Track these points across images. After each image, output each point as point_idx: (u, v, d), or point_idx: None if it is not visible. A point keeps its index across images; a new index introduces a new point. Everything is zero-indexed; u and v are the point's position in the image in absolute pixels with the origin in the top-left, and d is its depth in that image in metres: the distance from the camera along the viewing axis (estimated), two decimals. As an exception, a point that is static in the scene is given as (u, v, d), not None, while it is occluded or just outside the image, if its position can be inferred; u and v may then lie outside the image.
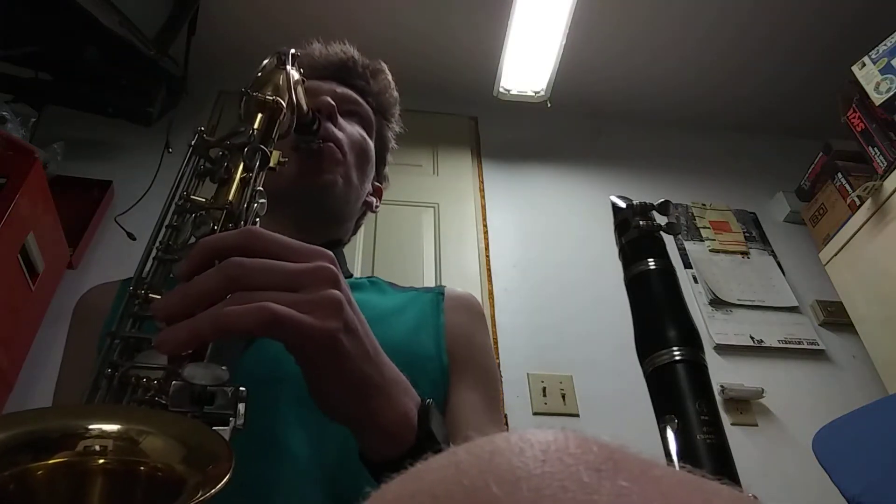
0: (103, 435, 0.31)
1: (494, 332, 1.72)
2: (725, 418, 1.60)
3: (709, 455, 0.37)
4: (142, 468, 0.31)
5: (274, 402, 0.53)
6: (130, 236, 1.74)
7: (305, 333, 0.37)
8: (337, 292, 0.39)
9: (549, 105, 2.01)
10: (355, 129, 0.74)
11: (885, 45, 1.53)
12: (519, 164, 2.19)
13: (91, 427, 0.31)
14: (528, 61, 1.87)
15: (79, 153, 1.86)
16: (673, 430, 0.38)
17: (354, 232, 0.80)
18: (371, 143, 0.77)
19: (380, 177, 0.83)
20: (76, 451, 0.30)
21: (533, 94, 1.97)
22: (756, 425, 1.65)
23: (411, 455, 0.42)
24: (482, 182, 2.10)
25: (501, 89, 1.95)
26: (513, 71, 1.90)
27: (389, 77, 0.83)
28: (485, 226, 1.98)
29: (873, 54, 1.55)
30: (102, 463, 0.30)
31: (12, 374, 1.42)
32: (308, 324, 0.37)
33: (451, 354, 0.63)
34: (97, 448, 0.31)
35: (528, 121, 2.26)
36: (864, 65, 1.57)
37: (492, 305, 1.79)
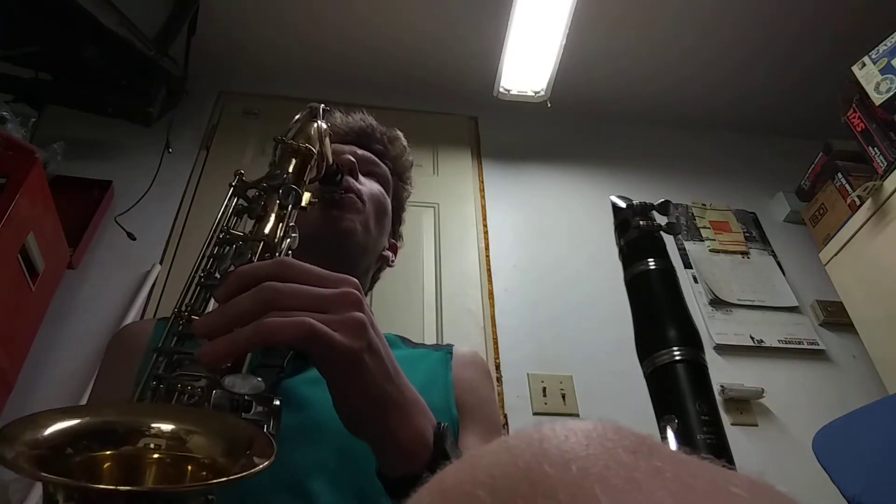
0: (159, 433, 0.36)
1: (494, 333, 1.73)
2: (725, 418, 1.60)
3: (709, 455, 0.37)
4: (190, 464, 0.35)
5: (294, 449, 0.56)
6: (130, 236, 1.75)
7: (335, 349, 0.40)
8: (361, 314, 0.43)
9: (549, 105, 2.01)
10: (374, 186, 0.79)
11: (885, 45, 1.53)
12: (519, 164, 2.19)
13: (151, 425, 0.36)
14: (528, 61, 1.87)
15: (79, 153, 1.86)
16: (673, 430, 0.38)
17: (370, 288, 0.85)
18: (389, 200, 0.82)
19: (395, 235, 0.88)
20: (137, 446, 0.35)
21: (533, 94, 1.97)
22: (756, 425, 1.65)
23: (426, 471, 0.45)
24: (482, 182, 2.10)
25: (501, 89, 1.95)
26: (513, 71, 1.90)
27: (405, 143, 0.90)
28: (485, 226, 1.98)
29: (873, 54, 1.55)
30: (158, 457, 0.35)
31: (12, 374, 1.42)
32: (338, 340, 0.40)
33: (459, 404, 0.67)
34: (153, 445, 0.35)
35: (528, 121, 2.26)
36: (864, 65, 1.57)
37: (492, 305, 1.79)
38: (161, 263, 1.72)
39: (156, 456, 0.35)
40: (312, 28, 2.05)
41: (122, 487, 0.33)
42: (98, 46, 1.68)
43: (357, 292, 0.44)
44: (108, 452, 0.34)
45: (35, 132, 1.72)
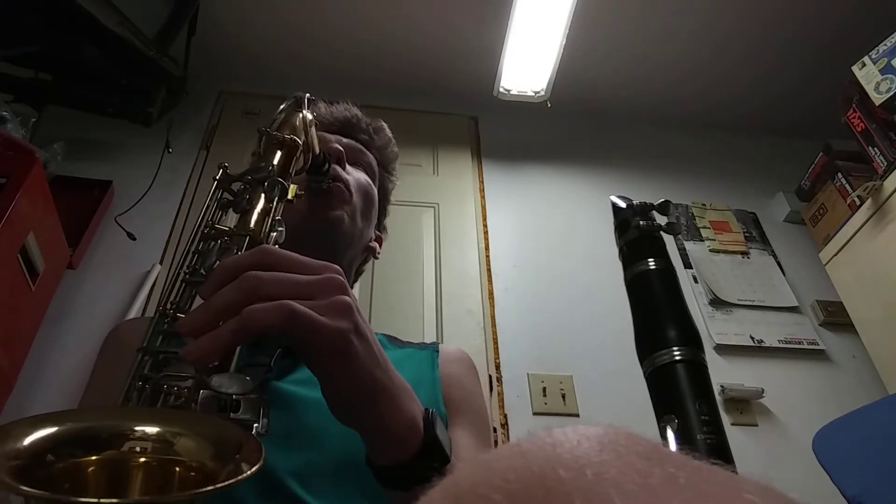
0: (145, 437, 0.34)
1: (494, 332, 1.72)
2: (725, 418, 1.60)
3: (709, 455, 0.37)
4: (177, 467, 0.34)
5: (283, 453, 0.55)
6: (130, 236, 1.75)
7: (319, 331, 0.39)
8: (347, 298, 0.42)
9: (549, 105, 2.01)
10: (361, 175, 0.79)
11: (885, 45, 1.53)
12: (519, 164, 2.19)
13: (135, 429, 0.35)
14: (528, 61, 1.86)
15: (79, 153, 1.86)
16: (673, 430, 0.38)
17: (355, 280, 0.84)
18: (375, 190, 0.81)
19: (380, 226, 0.87)
20: (121, 450, 0.34)
21: (533, 94, 1.97)
22: (756, 425, 1.65)
23: (418, 458, 0.44)
24: (482, 182, 2.10)
25: (501, 89, 1.95)
26: (513, 71, 1.90)
27: (389, 133, 0.89)
28: (485, 226, 1.98)
29: (873, 54, 1.55)
30: (144, 461, 0.34)
31: (12, 374, 1.42)
32: (322, 322, 0.39)
33: (446, 399, 0.66)
34: (139, 449, 0.34)
35: (528, 121, 2.26)
36: (864, 65, 1.57)
37: (492, 305, 1.79)
38: (161, 263, 1.72)
39: (142, 460, 0.34)
40: (313, 28, 2.05)
41: (104, 500, 0.32)
42: (98, 46, 1.68)
43: (341, 277, 0.43)
44: (91, 458, 0.33)
45: (35, 132, 1.72)
